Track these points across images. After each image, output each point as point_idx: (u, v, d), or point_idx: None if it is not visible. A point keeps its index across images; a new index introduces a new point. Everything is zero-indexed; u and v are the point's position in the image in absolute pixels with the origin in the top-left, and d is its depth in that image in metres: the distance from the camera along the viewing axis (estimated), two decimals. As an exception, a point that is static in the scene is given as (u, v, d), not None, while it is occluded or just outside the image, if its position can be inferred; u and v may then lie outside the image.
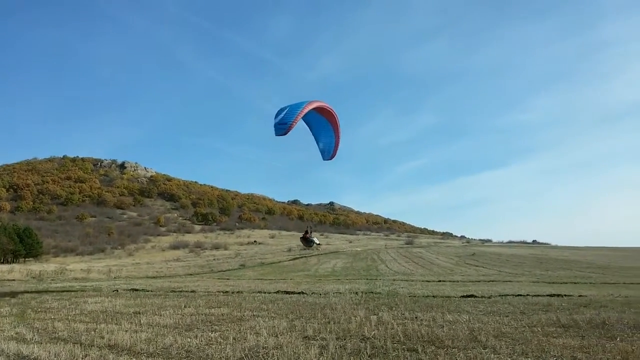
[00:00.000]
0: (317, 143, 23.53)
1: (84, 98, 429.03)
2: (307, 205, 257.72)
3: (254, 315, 15.59)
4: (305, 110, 20.53)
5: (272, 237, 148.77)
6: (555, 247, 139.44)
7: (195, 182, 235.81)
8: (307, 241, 27.09)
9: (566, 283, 36.13)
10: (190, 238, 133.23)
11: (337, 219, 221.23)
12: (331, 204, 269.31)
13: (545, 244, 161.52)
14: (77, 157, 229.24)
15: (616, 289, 28.58)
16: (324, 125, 22.71)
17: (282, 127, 20.71)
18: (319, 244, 27.70)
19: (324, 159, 23.18)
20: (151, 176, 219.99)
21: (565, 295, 22.65)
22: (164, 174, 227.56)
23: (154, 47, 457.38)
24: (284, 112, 21.12)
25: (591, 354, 9.03)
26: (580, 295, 22.45)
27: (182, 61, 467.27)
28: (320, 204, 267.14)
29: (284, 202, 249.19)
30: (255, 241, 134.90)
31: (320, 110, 21.70)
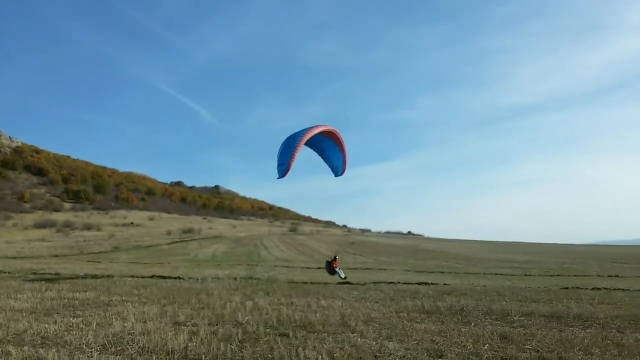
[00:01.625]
0: (326, 162, 23.94)
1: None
2: (191, 187, 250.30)
3: (123, 300, 14.79)
4: (301, 144, 21.03)
5: (151, 219, 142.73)
6: (428, 238, 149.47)
7: (68, 156, 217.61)
8: (332, 270, 25.46)
9: (434, 272, 38.78)
10: (58, 217, 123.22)
11: (221, 202, 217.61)
12: (216, 187, 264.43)
13: (419, 235, 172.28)
14: None
15: (477, 278, 31.20)
16: (330, 146, 23.24)
17: (281, 168, 20.88)
18: (343, 278, 25.73)
19: (335, 175, 23.87)
20: (16, 147, 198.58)
21: (432, 283, 24.28)
22: (31, 145, 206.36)
23: (23, 5, 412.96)
24: (280, 149, 21.20)
25: (448, 338, 9.72)
26: (445, 284, 24.18)
27: (56, 25, 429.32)
28: (205, 186, 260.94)
29: (166, 183, 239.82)
30: (132, 223, 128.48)
31: (322, 133, 21.73)
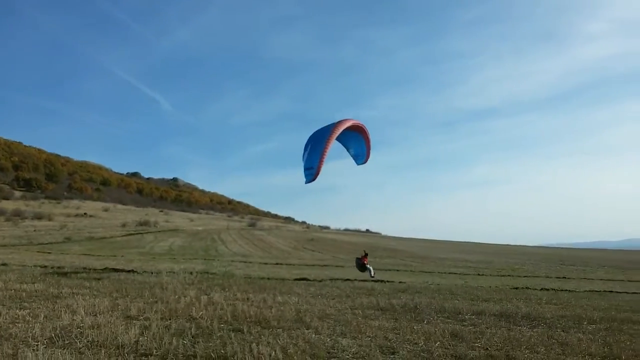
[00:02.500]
0: (348, 150, 23.15)
1: None
2: (149, 179, 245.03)
3: (73, 292, 14.37)
4: (330, 143, 20.05)
5: (106, 210, 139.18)
6: (385, 236, 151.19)
7: (20, 142, 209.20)
8: (362, 266, 24.65)
9: (390, 270, 39.34)
10: (7, 205, 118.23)
11: (179, 195, 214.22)
12: (175, 179, 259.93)
13: (377, 233, 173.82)
14: None
15: (431, 277, 31.83)
16: (354, 137, 22.47)
17: (310, 172, 20.05)
18: (373, 276, 24.84)
19: (357, 163, 23.18)
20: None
21: (387, 281, 24.62)
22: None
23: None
24: (307, 151, 20.44)
25: (401, 335, 9.88)
26: (400, 282, 24.58)
27: (14, 9, 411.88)
28: (163, 178, 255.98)
29: (122, 174, 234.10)
30: (85, 213, 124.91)
31: (347, 128, 21.13)
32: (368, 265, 24.54)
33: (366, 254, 25.22)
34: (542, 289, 24.96)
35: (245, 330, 9.56)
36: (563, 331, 11.41)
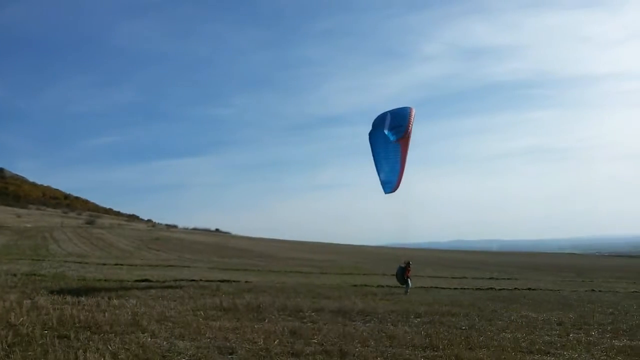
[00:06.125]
0: (378, 172, 19.62)
1: None
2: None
3: None
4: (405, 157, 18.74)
5: None
6: (235, 236, 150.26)
7: None
8: (403, 279, 21.41)
9: (238, 270, 39.14)
10: None
11: (5, 188, 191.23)
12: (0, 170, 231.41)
13: (226, 232, 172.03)
14: None
15: (277, 276, 32.35)
16: (394, 150, 19.15)
17: (389, 186, 19.34)
18: (406, 292, 21.23)
19: (385, 192, 19.62)
20: None
21: (233, 281, 24.50)
22: None
23: None
24: (388, 160, 19.31)
25: (241, 335, 9.94)
26: (246, 281, 24.61)
27: None
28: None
29: None
30: None
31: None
32: (409, 279, 22.25)
33: (409, 264, 22.45)
34: (378, 285, 26.81)
35: (72, 336, 8.85)
36: (392, 325, 12.40)
